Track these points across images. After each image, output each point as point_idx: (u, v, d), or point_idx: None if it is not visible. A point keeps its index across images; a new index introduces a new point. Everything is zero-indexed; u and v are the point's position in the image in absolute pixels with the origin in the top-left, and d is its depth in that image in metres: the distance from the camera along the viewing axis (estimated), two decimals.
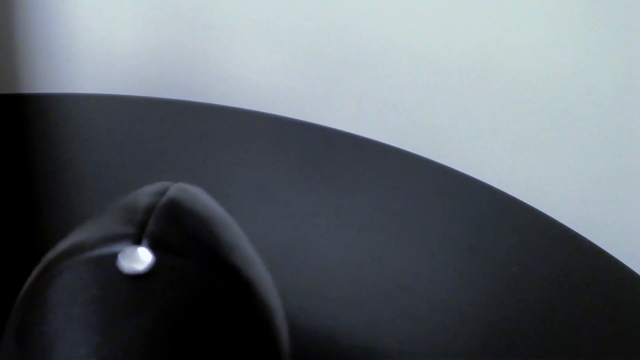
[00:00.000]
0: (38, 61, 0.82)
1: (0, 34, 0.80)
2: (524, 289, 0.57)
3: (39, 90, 0.83)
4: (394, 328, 0.52)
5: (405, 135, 0.74)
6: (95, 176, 0.63)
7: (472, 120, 0.73)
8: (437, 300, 0.55)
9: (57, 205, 0.59)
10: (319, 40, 0.74)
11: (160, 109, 0.73)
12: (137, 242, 0.31)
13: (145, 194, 0.36)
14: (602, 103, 0.68)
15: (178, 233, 0.33)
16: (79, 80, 0.82)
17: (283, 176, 0.65)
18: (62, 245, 0.34)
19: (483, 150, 0.73)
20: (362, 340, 0.50)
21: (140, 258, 0.31)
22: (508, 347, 0.52)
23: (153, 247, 0.31)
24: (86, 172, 0.63)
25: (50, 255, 0.34)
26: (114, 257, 0.31)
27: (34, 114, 0.71)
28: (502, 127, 0.72)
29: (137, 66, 0.80)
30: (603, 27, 0.66)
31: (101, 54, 0.80)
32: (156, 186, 0.37)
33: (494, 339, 0.52)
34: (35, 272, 0.34)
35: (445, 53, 0.71)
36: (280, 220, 0.60)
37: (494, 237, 0.61)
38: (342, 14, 0.72)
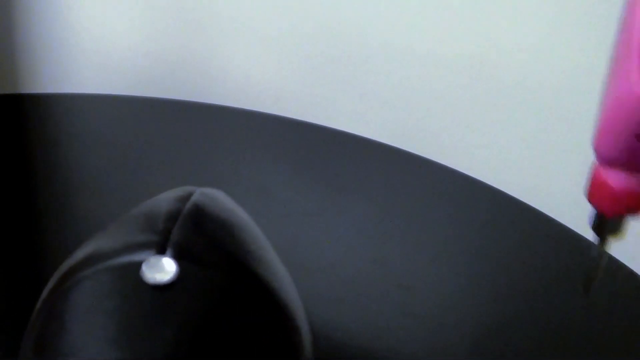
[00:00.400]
0: (38, 61, 0.82)
1: (0, 34, 0.80)
2: (524, 289, 0.57)
3: (39, 90, 0.83)
4: (394, 328, 0.52)
5: (405, 135, 0.74)
6: (95, 176, 0.63)
7: (472, 121, 0.73)
8: (437, 300, 0.55)
9: (57, 205, 0.59)
10: (319, 40, 0.74)
11: (160, 109, 0.73)
12: (162, 251, 0.31)
13: (167, 200, 0.35)
14: None
15: (202, 242, 0.32)
16: (79, 80, 0.82)
17: (283, 176, 0.65)
18: (83, 252, 0.33)
19: (483, 150, 0.73)
20: (362, 340, 0.50)
21: (164, 268, 0.30)
22: (508, 347, 0.52)
23: (177, 257, 0.30)
24: (86, 172, 0.63)
25: (71, 262, 0.33)
26: (137, 266, 0.30)
27: (34, 114, 0.71)
28: (503, 127, 0.72)
29: (137, 66, 0.80)
30: (603, 27, 0.66)
31: (101, 54, 0.80)
32: (178, 191, 0.36)
33: (494, 338, 0.52)
34: (54, 279, 0.33)
35: (446, 54, 0.71)
36: (280, 220, 0.60)
37: (493, 237, 0.61)
38: (342, 14, 0.72)
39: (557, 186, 0.72)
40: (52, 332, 0.30)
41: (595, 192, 0.26)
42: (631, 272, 0.59)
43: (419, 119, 0.74)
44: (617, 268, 0.59)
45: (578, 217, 0.67)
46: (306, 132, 0.71)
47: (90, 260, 0.31)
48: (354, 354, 0.49)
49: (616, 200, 0.26)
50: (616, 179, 0.26)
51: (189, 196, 0.35)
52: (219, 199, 0.36)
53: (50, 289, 0.32)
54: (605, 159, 0.26)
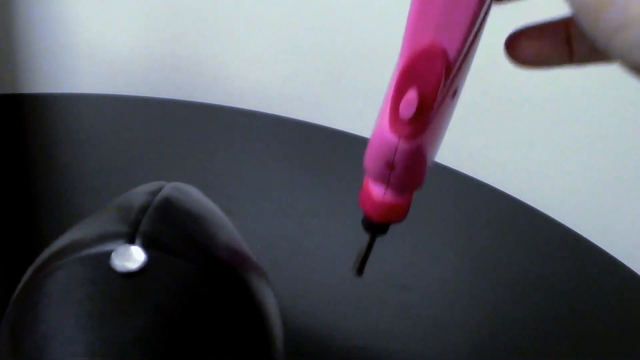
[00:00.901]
0: (38, 61, 0.82)
1: (0, 34, 0.80)
2: (524, 289, 0.57)
3: (39, 90, 0.83)
4: (394, 328, 0.52)
5: None
6: (95, 176, 0.63)
7: (473, 121, 0.73)
8: (437, 300, 0.55)
9: (57, 205, 0.59)
10: (319, 40, 0.74)
11: (160, 109, 0.73)
12: (131, 240, 0.32)
13: (140, 193, 0.36)
14: (603, 103, 0.68)
15: (171, 232, 0.33)
16: (79, 80, 0.82)
17: (283, 176, 0.65)
18: (57, 244, 0.34)
19: (483, 150, 0.73)
20: (362, 340, 0.50)
21: (133, 256, 0.31)
22: (508, 347, 0.52)
23: (146, 246, 0.31)
24: (86, 172, 0.63)
25: (45, 254, 0.34)
26: (107, 255, 0.31)
27: (34, 114, 0.71)
28: (503, 128, 0.72)
29: (137, 66, 0.80)
30: None
31: (101, 54, 0.80)
32: (151, 185, 0.37)
33: (494, 338, 0.52)
34: (29, 271, 0.34)
35: None
36: (280, 220, 0.60)
37: (493, 237, 0.61)
38: (343, 14, 0.72)
39: (557, 186, 0.72)
40: (27, 319, 0.31)
41: (363, 199, 0.31)
42: (631, 272, 0.59)
43: None
44: (618, 268, 0.59)
45: (578, 217, 0.67)
46: (306, 132, 0.71)
47: (64, 251, 0.32)
48: (354, 355, 0.49)
49: (376, 209, 0.31)
50: (376, 191, 0.31)
51: (159, 189, 0.36)
52: (190, 193, 0.37)
53: (25, 280, 0.33)
54: (369, 173, 0.30)
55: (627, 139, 0.69)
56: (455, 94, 0.30)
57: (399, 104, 0.27)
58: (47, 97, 0.75)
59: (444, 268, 0.58)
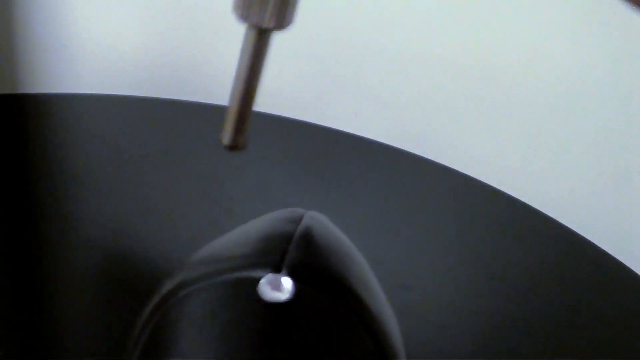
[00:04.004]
0: (38, 61, 0.82)
1: (0, 34, 0.80)
2: (524, 289, 0.57)
3: (39, 90, 0.83)
4: None
5: (406, 135, 0.74)
6: (95, 176, 0.63)
7: (472, 120, 0.73)
8: (437, 300, 0.55)
9: (57, 205, 0.59)
10: (318, 40, 0.74)
11: (160, 109, 0.73)
12: (277, 270, 0.31)
13: (280, 220, 0.35)
14: (602, 103, 0.68)
15: (314, 264, 0.32)
16: (79, 80, 0.82)
17: (283, 176, 0.65)
18: (193, 267, 0.33)
19: (483, 150, 0.73)
20: None
21: (282, 286, 0.30)
22: (508, 347, 0.52)
23: (294, 277, 0.31)
24: (86, 172, 0.63)
25: (180, 276, 0.33)
26: (253, 282, 0.30)
27: (34, 114, 0.71)
28: (503, 127, 0.72)
29: (137, 66, 0.80)
30: (604, 27, 0.66)
31: (101, 54, 0.80)
32: (287, 212, 0.36)
33: (494, 338, 0.52)
34: (163, 290, 0.33)
35: (445, 53, 0.71)
36: None
37: (494, 237, 0.61)
38: (342, 14, 0.72)
39: (557, 186, 0.72)
40: (165, 339, 0.31)
41: None
42: (631, 272, 0.59)
43: (419, 119, 0.74)
44: (618, 268, 0.59)
45: (578, 217, 0.67)
46: (306, 132, 0.71)
47: (206, 273, 0.32)
48: None
49: None
50: None
51: (300, 218, 0.35)
52: (325, 223, 0.37)
53: (163, 296, 0.33)
54: None
55: (628, 138, 0.69)
56: None
57: None
58: (47, 97, 0.75)
59: (444, 268, 0.58)
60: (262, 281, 0.30)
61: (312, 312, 0.31)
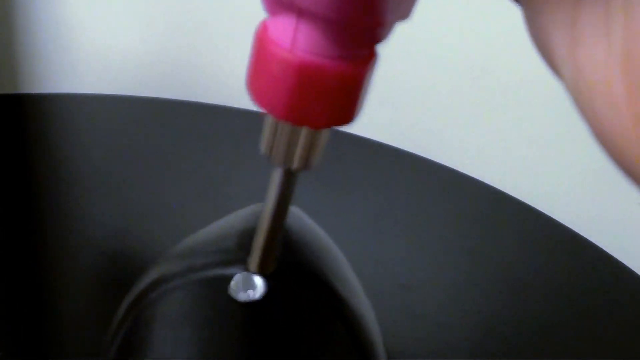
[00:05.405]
0: (38, 61, 0.82)
1: (0, 34, 0.80)
2: (524, 289, 0.57)
3: (39, 90, 0.83)
4: (394, 328, 0.52)
5: (405, 135, 0.74)
6: (95, 176, 0.63)
7: (472, 120, 0.73)
8: (437, 300, 0.55)
9: (57, 205, 0.59)
10: None
11: (160, 109, 0.73)
12: (248, 267, 0.31)
13: (256, 215, 0.34)
14: None
15: (288, 259, 0.32)
16: (79, 80, 0.82)
17: None
18: (171, 262, 0.33)
19: (483, 150, 0.73)
20: None
21: (254, 285, 0.30)
22: (508, 347, 0.52)
23: (266, 274, 0.31)
24: (86, 172, 0.63)
25: (153, 274, 0.33)
26: (228, 280, 0.30)
27: (34, 114, 0.71)
28: (503, 127, 0.72)
29: (137, 66, 0.80)
30: None
31: (101, 54, 0.80)
32: (258, 207, 0.36)
33: (494, 339, 0.52)
34: (137, 288, 0.33)
35: (445, 52, 0.71)
36: None
37: (494, 237, 0.61)
38: None
39: (557, 186, 0.72)
40: (140, 337, 0.31)
41: (259, 81, 0.23)
42: (631, 272, 0.59)
43: (418, 119, 0.74)
44: (618, 268, 0.59)
45: (578, 217, 0.67)
46: None
47: (178, 272, 0.32)
48: None
49: (287, 77, 0.21)
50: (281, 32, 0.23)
51: None
52: (303, 218, 0.37)
53: (137, 294, 0.33)
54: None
55: None
56: None
57: None
58: (47, 97, 0.75)
59: (444, 267, 0.58)
60: (232, 282, 0.30)
61: (287, 308, 0.30)
